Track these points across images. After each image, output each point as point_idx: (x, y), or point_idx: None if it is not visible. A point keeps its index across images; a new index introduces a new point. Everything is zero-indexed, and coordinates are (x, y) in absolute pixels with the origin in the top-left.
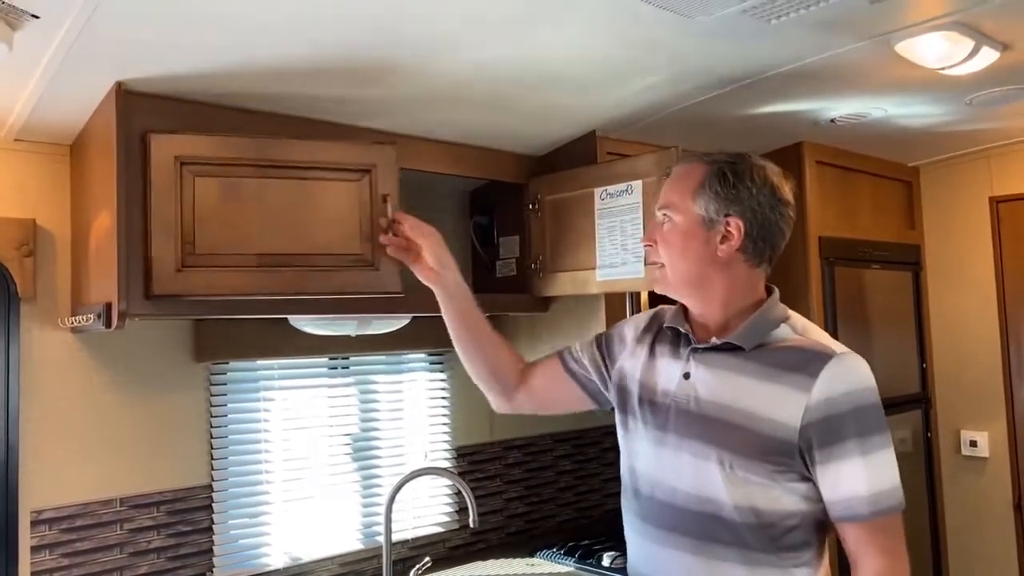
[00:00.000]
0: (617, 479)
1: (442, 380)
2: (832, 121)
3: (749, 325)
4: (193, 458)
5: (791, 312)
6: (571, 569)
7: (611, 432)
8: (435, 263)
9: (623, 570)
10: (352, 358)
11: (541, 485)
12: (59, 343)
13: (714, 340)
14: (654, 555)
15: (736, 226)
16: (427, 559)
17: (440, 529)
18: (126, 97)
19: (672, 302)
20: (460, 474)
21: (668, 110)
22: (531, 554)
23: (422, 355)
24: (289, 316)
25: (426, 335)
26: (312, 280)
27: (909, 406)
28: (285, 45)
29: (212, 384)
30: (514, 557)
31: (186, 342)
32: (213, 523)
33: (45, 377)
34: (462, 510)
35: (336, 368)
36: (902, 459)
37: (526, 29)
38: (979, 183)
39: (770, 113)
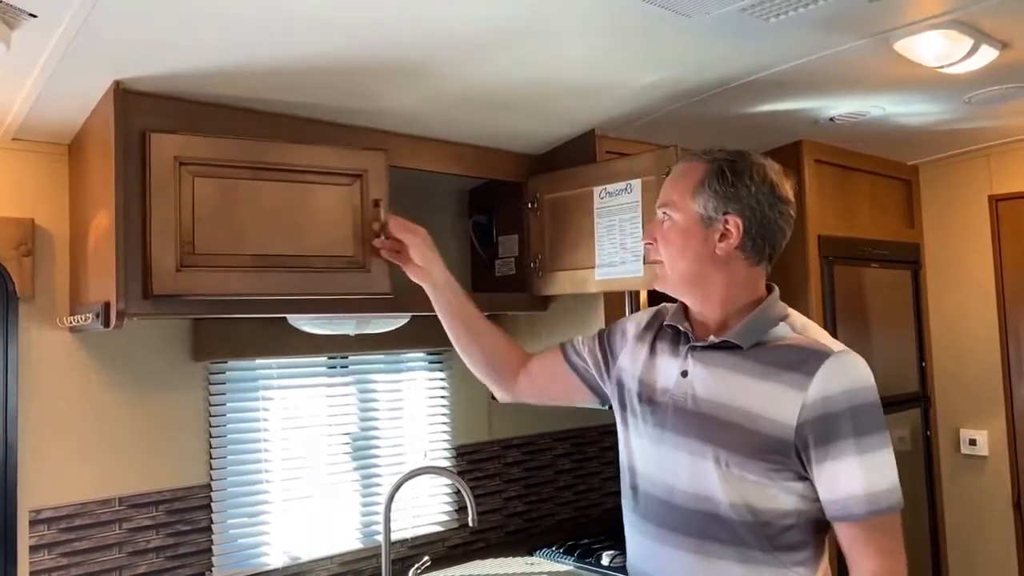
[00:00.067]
0: (616, 478)
1: (441, 379)
2: (831, 120)
3: (747, 323)
4: (192, 457)
5: (791, 310)
6: (570, 568)
7: (610, 431)
8: (420, 260)
9: (622, 569)
10: (351, 357)
11: (540, 484)
12: (57, 343)
13: (712, 338)
14: (653, 553)
15: (735, 224)
16: (426, 558)
17: (439, 528)
18: (124, 96)
19: (675, 300)
20: (459, 473)
21: (667, 109)
22: (530, 553)
23: (421, 354)
24: (288, 315)
25: (425, 334)
26: (307, 281)
27: (908, 405)
28: (285, 45)
29: (211, 383)
30: (513, 556)
31: (185, 341)
32: (212, 522)
33: (43, 377)
34: (461, 509)
35: (335, 367)
36: (901, 458)
37: (526, 29)
38: (978, 181)
39: (769, 112)
